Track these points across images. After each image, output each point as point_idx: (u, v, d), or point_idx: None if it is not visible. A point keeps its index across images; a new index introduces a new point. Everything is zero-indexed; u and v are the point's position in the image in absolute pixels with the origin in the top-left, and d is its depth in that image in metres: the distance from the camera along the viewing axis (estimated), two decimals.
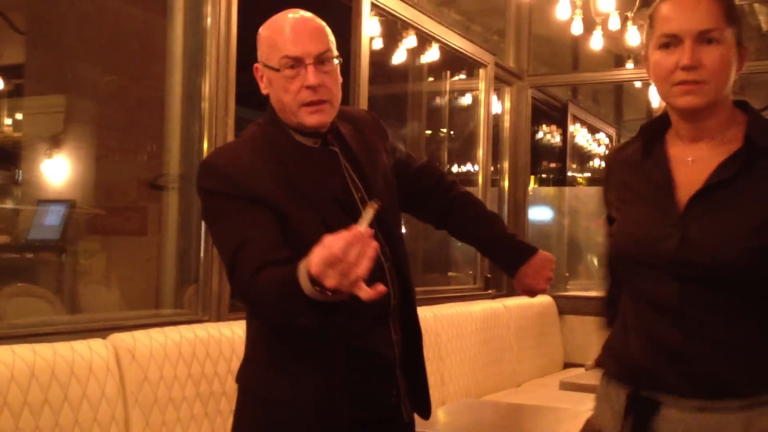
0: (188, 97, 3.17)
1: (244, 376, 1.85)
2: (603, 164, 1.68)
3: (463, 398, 4.17)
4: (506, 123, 5.74)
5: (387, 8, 4.17)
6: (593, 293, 5.34)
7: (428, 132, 5.95)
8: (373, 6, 4.03)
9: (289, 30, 1.76)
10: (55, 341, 2.35)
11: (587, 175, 8.24)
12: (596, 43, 5.27)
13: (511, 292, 5.37)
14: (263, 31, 1.82)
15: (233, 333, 2.78)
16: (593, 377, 1.75)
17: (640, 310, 1.57)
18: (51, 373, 2.22)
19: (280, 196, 1.72)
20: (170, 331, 2.66)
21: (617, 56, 6.68)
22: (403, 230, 2.00)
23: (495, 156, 5.54)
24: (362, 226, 1.39)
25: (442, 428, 2.99)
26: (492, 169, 5.41)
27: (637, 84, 7.19)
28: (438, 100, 6.00)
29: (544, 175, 7.86)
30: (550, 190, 7.03)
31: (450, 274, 5.82)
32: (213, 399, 2.68)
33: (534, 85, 5.92)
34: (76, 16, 4.29)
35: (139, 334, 2.55)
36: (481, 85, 5.28)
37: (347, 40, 3.86)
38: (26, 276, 4.00)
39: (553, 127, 7.65)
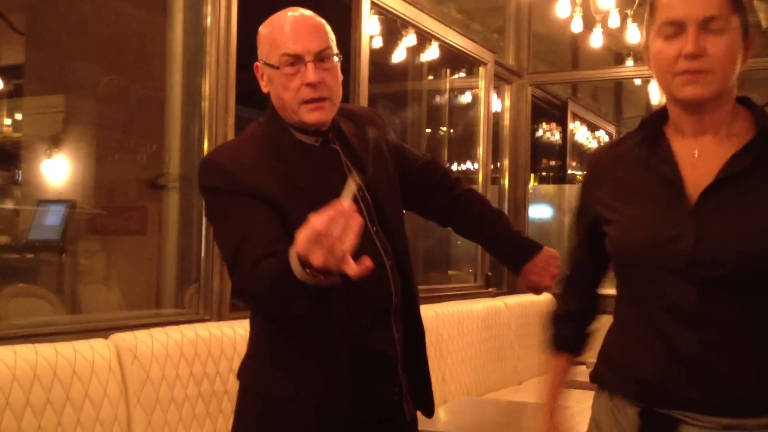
0: (188, 96, 3.17)
1: (245, 373, 1.86)
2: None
3: (464, 396, 4.17)
4: (506, 121, 5.73)
5: (387, 7, 4.16)
6: None
7: (428, 130, 5.94)
8: (373, 4, 4.02)
9: (289, 28, 1.76)
10: (57, 341, 2.34)
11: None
12: (596, 40, 5.26)
13: (512, 290, 5.36)
14: (263, 29, 1.82)
15: (234, 332, 2.78)
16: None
17: (647, 318, 1.44)
18: (53, 374, 2.22)
19: (280, 193, 1.72)
20: (172, 330, 2.65)
21: (617, 54, 6.67)
22: None
23: (495, 154, 5.53)
24: (345, 201, 1.36)
25: (443, 427, 2.99)
26: (492, 167, 5.40)
27: (637, 81, 7.18)
28: (438, 99, 5.98)
29: (544, 173, 7.86)
30: (550, 188, 7.03)
31: (450, 272, 5.82)
32: (215, 398, 2.68)
33: (534, 82, 5.91)
34: (75, 16, 4.29)
35: (141, 334, 2.55)
36: (481, 83, 5.27)
37: (347, 38, 3.85)
38: (27, 276, 4.00)
39: (553, 125, 7.65)
